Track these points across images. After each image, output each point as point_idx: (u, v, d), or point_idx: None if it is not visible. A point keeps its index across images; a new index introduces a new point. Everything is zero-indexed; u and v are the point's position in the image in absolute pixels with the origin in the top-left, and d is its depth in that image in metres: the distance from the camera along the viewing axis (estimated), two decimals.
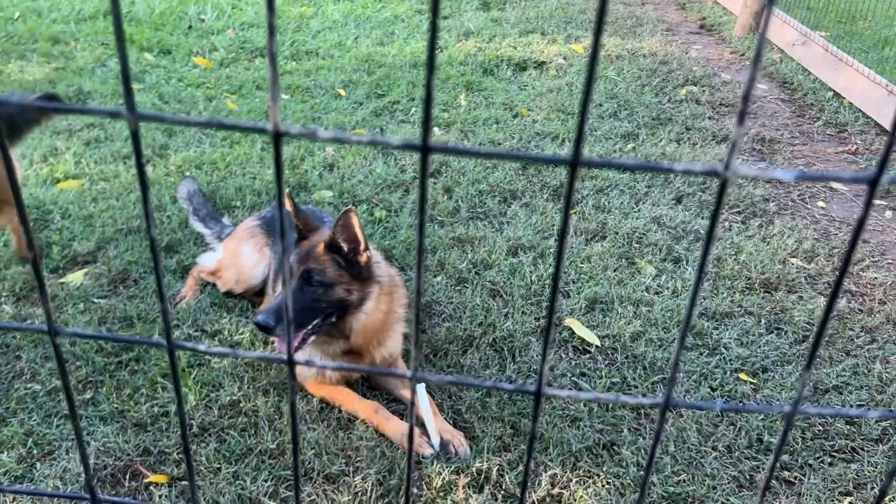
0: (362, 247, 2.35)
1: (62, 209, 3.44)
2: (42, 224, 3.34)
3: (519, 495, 2.17)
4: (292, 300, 2.26)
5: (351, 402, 2.45)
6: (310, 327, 2.30)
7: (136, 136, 0.46)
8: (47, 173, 3.74)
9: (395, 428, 2.39)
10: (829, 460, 2.36)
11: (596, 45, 0.37)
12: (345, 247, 2.33)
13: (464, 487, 2.22)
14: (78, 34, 5.78)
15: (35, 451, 2.26)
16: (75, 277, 3.02)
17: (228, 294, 2.96)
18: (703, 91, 5.26)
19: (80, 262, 3.13)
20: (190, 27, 6.13)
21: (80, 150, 3.99)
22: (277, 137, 0.46)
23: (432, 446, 2.34)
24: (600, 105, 4.95)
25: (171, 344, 0.62)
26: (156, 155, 4.02)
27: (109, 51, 5.51)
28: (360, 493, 2.19)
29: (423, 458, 2.31)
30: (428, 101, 0.41)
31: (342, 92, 5.02)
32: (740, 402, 2.57)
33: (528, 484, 2.23)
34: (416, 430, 2.37)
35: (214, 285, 3.02)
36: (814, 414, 0.56)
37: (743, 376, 2.69)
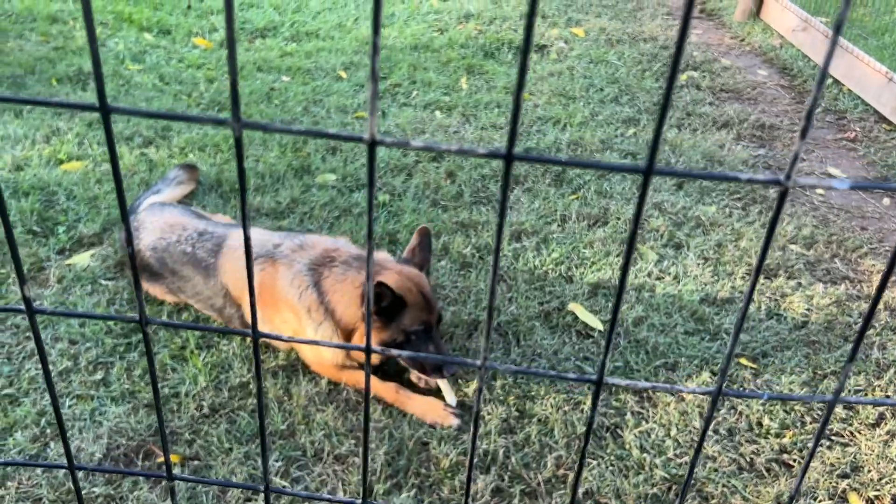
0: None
1: (67, 190, 3.44)
2: (47, 205, 3.34)
3: (525, 476, 2.22)
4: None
5: (374, 384, 2.50)
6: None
7: (238, 143, 0.49)
8: (50, 154, 3.74)
9: (418, 404, 2.44)
10: (827, 444, 2.42)
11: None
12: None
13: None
14: (76, 13, 5.74)
15: (48, 431, 2.29)
16: (82, 259, 3.03)
17: None
18: (704, 76, 5.28)
19: (87, 243, 3.15)
20: (189, 7, 6.09)
21: (82, 132, 3.99)
22: (373, 146, 0.49)
23: (459, 415, 2.41)
24: (601, 90, 4.96)
25: (255, 333, 0.65)
26: (158, 136, 4.02)
27: (108, 31, 5.48)
28: (369, 474, 2.23)
29: (443, 428, 2.37)
30: (515, 117, 0.44)
31: (343, 74, 5.01)
32: (742, 387, 2.62)
33: (536, 466, 2.28)
34: (441, 404, 2.44)
35: None
36: (854, 402, 0.59)
37: (743, 361, 2.73)
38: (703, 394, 0.58)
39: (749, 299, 0.55)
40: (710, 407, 0.59)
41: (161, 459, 2.23)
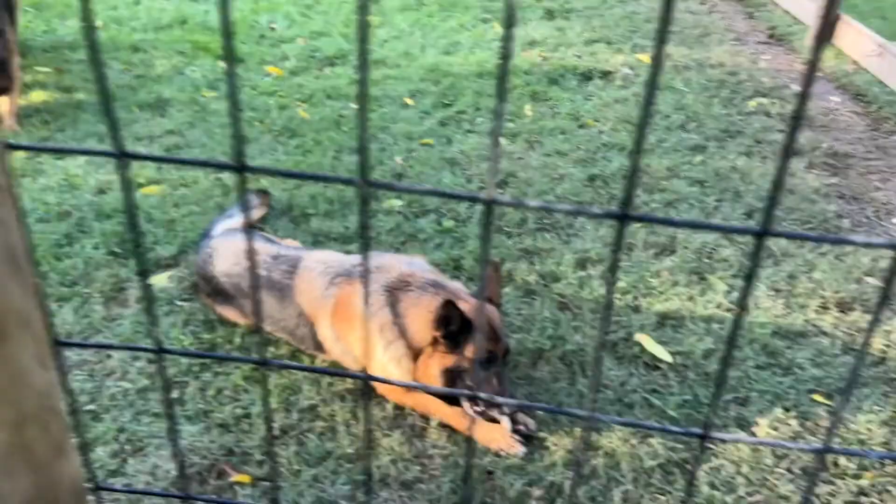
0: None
1: (146, 214, 3.59)
2: (127, 227, 3.49)
3: None
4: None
5: (440, 409, 2.51)
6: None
7: (364, 201, 0.52)
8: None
9: (484, 431, 2.45)
10: None
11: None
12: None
13: (536, 499, 2.25)
14: (157, 43, 6.01)
15: (127, 448, 2.37)
16: (159, 280, 3.15)
17: None
18: (774, 103, 5.18)
19: (164, 265, 3.27)
20: (262, 36, 6.30)
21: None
22: (490, 205, 0.51)
23: (523, 443, 2.41)
24: (667, 116, 4.92)
25: (367, 376, 0.68)
26: None
27: (186, 59, 5.70)
28: (434, 501, 2.24)
29: (508, 456, 2.38)
30: (632, 177, 0.45)
31: (410, 101, 5.10)
32: (816, 424, 2.54)
33: (603, 499, 2.25)
34: (507, 431, 2.43)
35: None
36: None
37: (817, 397, 2.65)
38: (809, 451, 0.57)
39: (867, 341, 0.54)
40: (817, 465, 0.58)
41: (233, 479, 2.29)
